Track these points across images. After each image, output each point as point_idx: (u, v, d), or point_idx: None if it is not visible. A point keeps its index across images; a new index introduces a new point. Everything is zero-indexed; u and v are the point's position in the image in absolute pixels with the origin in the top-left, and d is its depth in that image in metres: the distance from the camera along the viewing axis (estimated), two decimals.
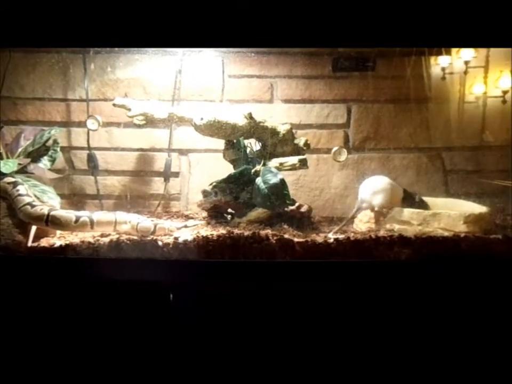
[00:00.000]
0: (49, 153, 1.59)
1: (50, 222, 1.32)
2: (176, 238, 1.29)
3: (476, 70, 1.77)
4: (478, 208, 1.47)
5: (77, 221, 1.34)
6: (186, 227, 1.39)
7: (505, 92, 1.76)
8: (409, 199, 1.51)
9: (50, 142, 1.60)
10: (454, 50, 1.74)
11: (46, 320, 1.28)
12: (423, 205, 1.50)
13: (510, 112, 1.76)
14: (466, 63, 1.74)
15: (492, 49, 1.74)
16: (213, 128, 1.45)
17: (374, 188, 1.49)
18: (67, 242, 1.32)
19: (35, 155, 1.55)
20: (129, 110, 1.50)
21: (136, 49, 1.64)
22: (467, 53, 1.73)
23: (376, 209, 1.47)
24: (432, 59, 1.75)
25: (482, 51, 1.74)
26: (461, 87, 1.81)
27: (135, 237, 1.30)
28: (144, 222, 1.37)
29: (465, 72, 1.76)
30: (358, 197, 1.52)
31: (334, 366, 1.30)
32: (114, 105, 1.52)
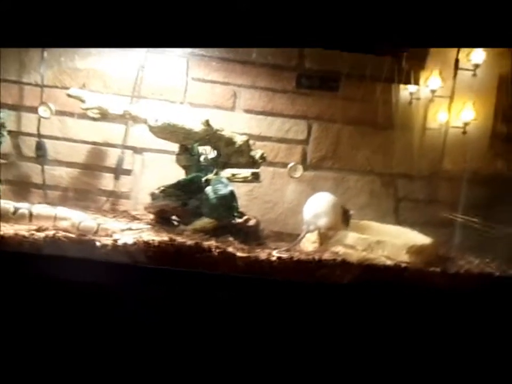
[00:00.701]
0: None
1: None
2: (115, 240, 1.25)
3: (441, 100, 1.81)
4: (422, 239, 1.49)
5: (15, 212, 1.29)
6: (130, 229, 1.35)
7: (466, 124, 1.80)
8: (345, 215, 1.52)
9: None
10: (422, 78, 1.77)
11: None
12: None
13: (468, 143, 1.82)
14: (432, 92, 1.78)
15: (458, 80, 1.78)
16: (167, 132, 1.42)
17: (317, 208, 1.49)
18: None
19: None
20: (84, 102, 1.45)
21: None
22: (434, 82, 1.77)
23: (321, 231, 1.47)
24: (401, 86, 1.79)
25: (449, 81, 1.77)
26: (424, 116, 1.85)
27: (73, 235, 1.25)
28: (87, 221, 1.32)
29: (431, 101, 1.80)
30: (303, 219, 1.51)
31: None
32: (68, 95, 1.46)
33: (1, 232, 1.25)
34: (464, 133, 1.81)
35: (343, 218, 1.52)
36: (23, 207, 1.30)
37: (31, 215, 1.30)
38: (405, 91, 1.80)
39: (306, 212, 1.51)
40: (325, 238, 1.46)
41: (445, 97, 1.81)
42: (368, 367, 1.30)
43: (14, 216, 1.28)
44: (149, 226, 1.42)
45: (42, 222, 1.31)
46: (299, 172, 1.65)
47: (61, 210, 1.32)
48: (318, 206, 1.51)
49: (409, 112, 1.83)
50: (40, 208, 1.32)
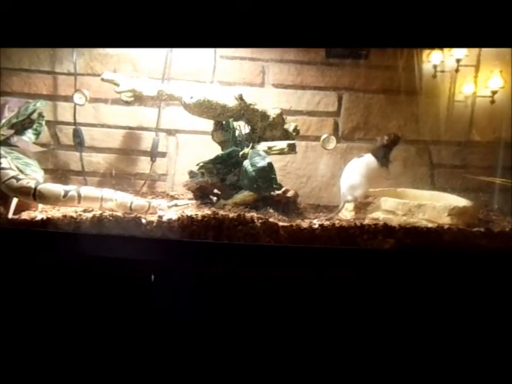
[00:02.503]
0: (34, 126, 1.56)
1: (38, 196, 1.32)
2: (160, 217, 1.28)
3: (467, 69, 1.78)
4: (462, 202, 1.48)
5: (65, 195, 1.34)
6: (176, 206, 1.39)
7: (494, 92, 1.77)
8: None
9: (35, 115, 1.56)
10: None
11: (23, 294, 1.26)
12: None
13: (497, 111, 1.78)
14: (458, 61, 1.75)
15: (484, 49, 1.75)
16: (202, 108, 1.43)
17: (352, 180, 1.50)
18: (49, 216, 1.30)
19: (19, 127, 1.52)
20: (118, 85, 1.47)
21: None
22: (459, 51, 1.73)
23: (359, 200, 1.47)
24: (426, 52, 1.75)
25: (474, 50, 1.74)
26: (452, 84, 1.82)
27: (119, 214, 1.29)
28: (139, 200, 1.38)
29: (457, 70, 1.77)
30: (341, 191, 1.52)
31: (315, 352, 1.30)
32: (102, 79, 1.48)
33: (49, 215, 1.30)
34: (493, 102, 1.78)
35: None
36: (72, 189, 1.35)
37: (79, 196, 1.34)
38: (431, 62, 1.77)
39: (342, 184, 1.51)
40: (365, 206, 1.47)
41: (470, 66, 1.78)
42: (415, 329, 1.30)
43: (65, 199, 1.34)
44: (194, 201, 1.44)
45: (89, 203, 1.36)
46: (332, 143, 1.64)
47: (107, 192, 1.37)
48: (353, 176, 1.51)
49: (437, 80, 1.80)
50: (87, 190, 1.37)
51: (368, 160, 1.52)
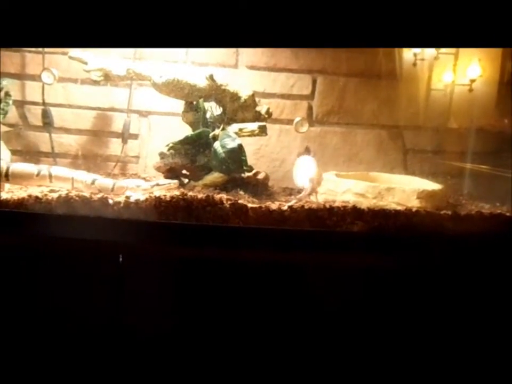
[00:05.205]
0: (1, 105, 1.52)
1: (11, 176, 1.34)
2: (127, 197, 1.26)
3: (447, 57, 1.79)
4: (431, 185, 1.49)
5: (38, 174, 1.36)
6: (158, 185, 1.38)
7: (472, 81, 1.78)
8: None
9: (1, 93, 1.52)
10: None
11: None
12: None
13: (474, 100, 1.80)
14: (437, 49, 1.76)
15: None
16: (170, 87, 1.41)
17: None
18: (14, 196, 1.27)
19: None
20: (86, 63, 1.44)
21: None
22: None
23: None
24: None
25: None
26: (430, 71, 1.83)
27: (85, 194, 1.27)
28: (101, 179, 1.37)
29: (436, 58, 1.78)
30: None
31: (283, 336, 1.31)
32: (70, 57, 1.45)
33: (14, 196, 1.28)
34: (471, 90, 1.80)
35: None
36: (44, 168, 1.37)
37: (50, 176, 1.36)
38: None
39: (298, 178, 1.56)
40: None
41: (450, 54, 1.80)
42: (382, 311, 1.32)
43: (37, 177, 1.36)
44: (177, 181, 1.43)
45: (61, 182, 1.37)
46: (305, 126, 1.63)
47: (77, 173, 1.37)
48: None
49: (415, 66, 1.80)
50: (58, 170, 1.38)
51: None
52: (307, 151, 1.62)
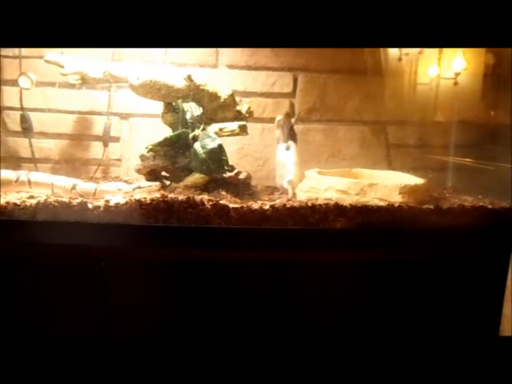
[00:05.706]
0: None
1: None
2: (107, 201, 1.25)
3: (431, 50, 1.79)
4: (414, 180, 1.49)
5: (17, 180, 1.35)
6: (139, 188, 1.37)
7: (457, 74, 1.78)
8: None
9: None
10: None
11: None
12: None
13: (459, 93, 1.80)
14: None
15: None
16: (147, 88, 1.40)
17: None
18: None
19: None
20: (63, 67, 1.42)
21: None
22: None
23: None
24: None
25: None
26: (414, 65, 1.82)
27: (64, 199, 1.25)
28: (102, 185, 1.38)
29: (420, 52, 1.77)
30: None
31: (267, 334, 1.31)
32: (46, 61, 1.43)
33: None
34: (456, 84, 1.80)
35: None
36: (23, 174, 1.37)
37: (29, 182, 1.36)
38: None
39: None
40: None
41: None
42: (367, 308, 1.32)
43: (16, 184, 1.36)
44: (158, 183, 1.42)
45: (41, 188, 1.36)
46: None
47: (57, 178, 1.36)
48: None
49: (397, 61, 1.80)
50: (37, 176, 1.38)
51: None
52: (287, 117, 1.60)
